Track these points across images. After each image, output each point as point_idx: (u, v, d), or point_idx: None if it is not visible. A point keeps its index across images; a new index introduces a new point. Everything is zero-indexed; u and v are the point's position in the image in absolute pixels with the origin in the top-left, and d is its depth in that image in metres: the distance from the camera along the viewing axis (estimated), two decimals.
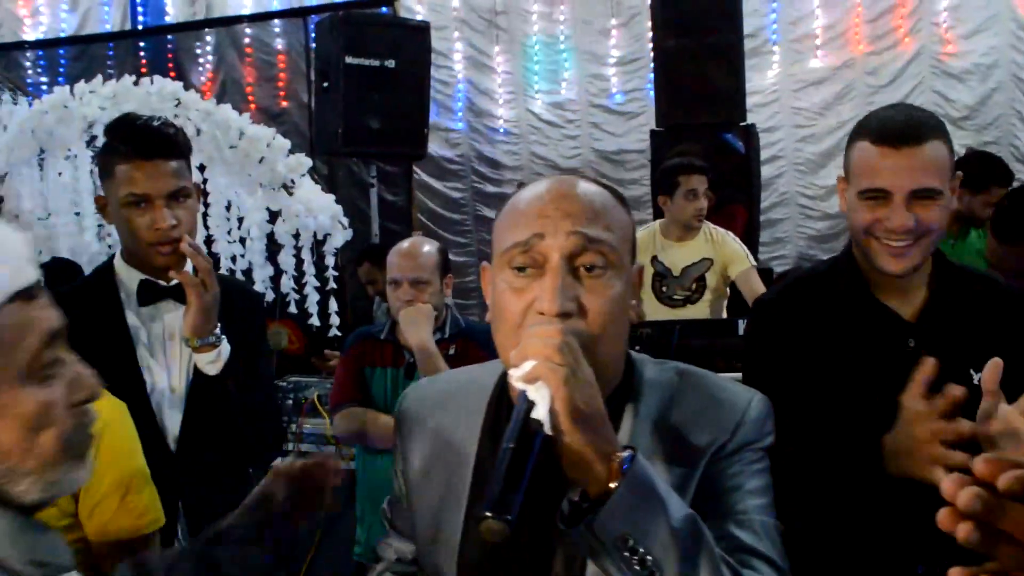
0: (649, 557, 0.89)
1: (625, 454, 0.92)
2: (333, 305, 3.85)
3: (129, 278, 1.89)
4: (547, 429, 0.88)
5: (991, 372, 1.23)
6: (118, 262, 1.92)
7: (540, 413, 0.88)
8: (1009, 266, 1.90)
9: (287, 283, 3.77)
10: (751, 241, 5.23)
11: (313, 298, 3.87)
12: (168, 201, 1.81)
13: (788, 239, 7.06)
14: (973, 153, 4.55)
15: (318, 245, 3.91)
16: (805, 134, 7.07)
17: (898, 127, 1.49)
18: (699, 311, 3.87)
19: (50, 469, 0.93)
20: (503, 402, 1.13)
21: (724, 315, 3.92)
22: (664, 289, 3.86)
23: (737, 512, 1.04)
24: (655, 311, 3.82)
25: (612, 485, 0.89)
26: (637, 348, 2.96)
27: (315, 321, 3.90)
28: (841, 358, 1.57)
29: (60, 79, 7.36)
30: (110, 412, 1.53)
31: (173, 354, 1.87)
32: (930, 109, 1.61)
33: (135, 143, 1.81)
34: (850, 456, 1.46)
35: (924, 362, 1.34)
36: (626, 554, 0.89)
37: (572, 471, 0.91)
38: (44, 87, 7.26)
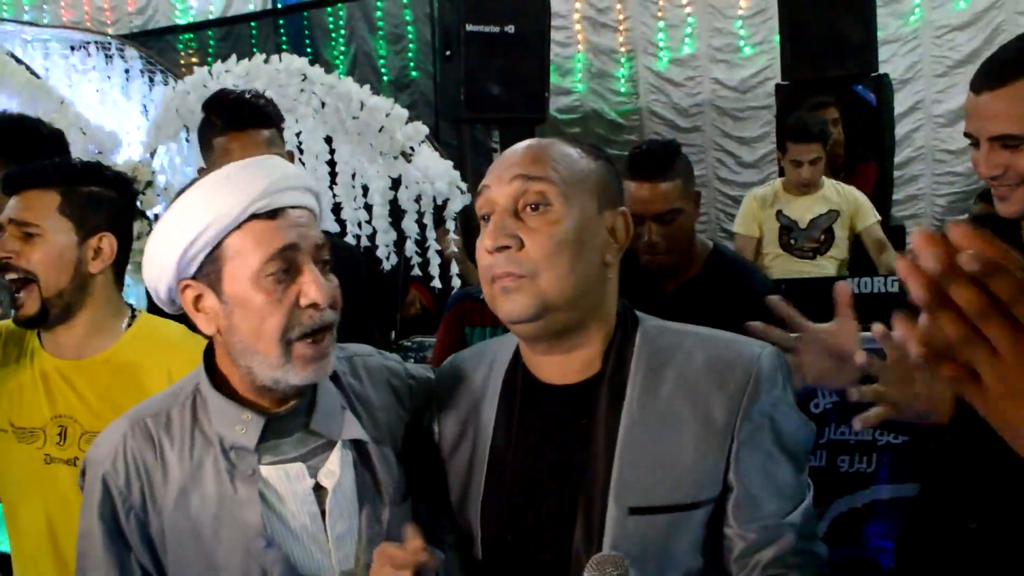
0: None
1: None
2: (455, 268, 4.00)
3: None
4: None
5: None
6: None
7: None
8: None
9: (411, 247, 3.93)
10: (883, 198, 4.98)
11: (435, 261, 4.04)
12: None
13: (924, 196, 6.61)
14: None
15: (439, 210, 4.07)
16: (946, 84, 6.56)
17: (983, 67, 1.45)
18: (829, 262, 3.83)
19: None
20: (517, 372, 1.21)
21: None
22: (792, 242, 3.85)
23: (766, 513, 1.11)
24: (786, 263, 3.81)
25: None
26: None
27: (437, 284, 4.06)
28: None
29: (209, 60, 7.86)
30: (184, 336, 1.71)
31: None
32: None
33: (228, 116, 1.94)
34: None
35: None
36: None
37: None
38: (197, 68, 7.78)
